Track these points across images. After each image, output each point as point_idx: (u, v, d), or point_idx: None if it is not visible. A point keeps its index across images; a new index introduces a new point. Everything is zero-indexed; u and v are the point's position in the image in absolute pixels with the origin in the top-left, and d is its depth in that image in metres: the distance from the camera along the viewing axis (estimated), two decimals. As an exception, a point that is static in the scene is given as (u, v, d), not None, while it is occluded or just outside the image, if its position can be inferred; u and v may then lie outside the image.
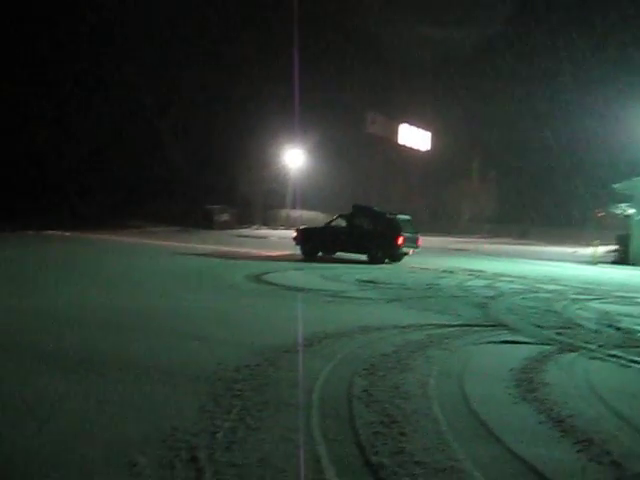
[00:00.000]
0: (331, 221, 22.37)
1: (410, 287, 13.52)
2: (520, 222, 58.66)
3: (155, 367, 5.99)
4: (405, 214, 22.22)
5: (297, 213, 52.16)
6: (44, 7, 41.88)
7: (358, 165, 58.20)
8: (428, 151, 70.46)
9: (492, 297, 12.37)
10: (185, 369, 5.96)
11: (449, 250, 31.06)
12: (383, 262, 20.14)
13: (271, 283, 13.23)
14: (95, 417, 4.60)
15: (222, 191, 45.64)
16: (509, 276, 17.17)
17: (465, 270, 18.34)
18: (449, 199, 63.06)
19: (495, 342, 8.09)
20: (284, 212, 51.56)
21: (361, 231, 20.84)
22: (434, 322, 9.19)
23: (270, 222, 50.85)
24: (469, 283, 14.98)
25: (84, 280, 12.88)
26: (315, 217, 56.79)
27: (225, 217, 44.22)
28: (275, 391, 5.39)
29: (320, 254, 21.58)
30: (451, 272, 17.44)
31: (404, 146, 67.32)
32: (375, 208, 23.07)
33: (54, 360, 6.17)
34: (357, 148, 58.83)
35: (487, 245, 39.94)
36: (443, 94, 63.36)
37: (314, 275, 15.23)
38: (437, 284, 14.32)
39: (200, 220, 41.37)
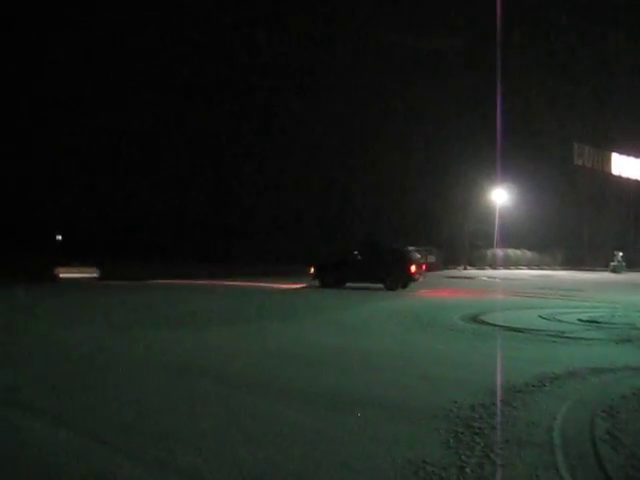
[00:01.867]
0: (345, 256, 25.20)
1: (639, 327, 12.72)
2: None
3: (393, 405, 6.29)
4: (411, 246, 26.45)
5: (502, 252, 51.00)
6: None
7: (566, 199, 55.66)
8: (645, 180, 65.62)
9: None
10: (422, 407, 6.18)
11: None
12: (397, 289, 23.09)
13: (489, 323, 13.13)
14: (348, 448, 4.95)
15: (429, 232, 45.93)
16: None
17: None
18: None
19: None
20: (490, 252, 50.58)
21: (376, 262, 23.63)
22: (673, 364, 8.62)
23: (476, 262, 50.08)
24: None
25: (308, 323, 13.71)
26: (521, 255, 55.12)
27: (431, 259, 44.29)
28: (514, 429, 5.43)
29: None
30: (684, 310, 16.11)
31: (617, 177, 63.30)
32: (384, 242, 27.01)
33: (306, 399, 6.65)
34: (564, 182, 56.34)
35: None
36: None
37: (531, 315, 14.87)
38: (670, 323, 13.32)
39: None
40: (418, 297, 21.30)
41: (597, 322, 13.50)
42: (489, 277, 37.62)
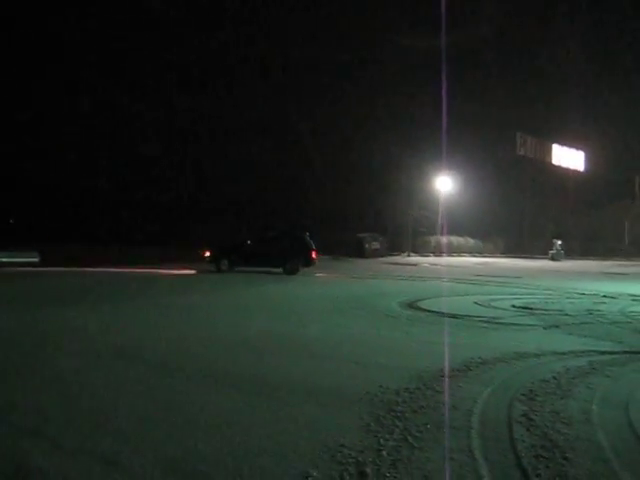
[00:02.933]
0: (243, 241, 25.37)
1: (569, 313, 13.11)
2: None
3: (318, 389, 6.35)
4: (307, 232, 26.04)
5: (446, 239, 51.76)
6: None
7: (508, 188, 56.82)
8: (583, 171, 67.53)
9: (660, 323, 11.75)
10: (347, 391, 6.26)
11: (609, 274, 29.48)
12: (296, 273, 23.59)
13: (424, 309, 13.35)
14: (268, 432, 5.00)
15: (372, 219, 46.21)
16: (680, 300, 16.12)
17: (628, 295, 17.42)
18: (608, 221, 59.78)
19: (664, 369, 7.74)
20: (433, 239, 51.28)
21: (276, 247, 24.27)
22: (595, 349, 8.92)
23: (420, 249, 50.73)
24: (633, 308, 14.25)
25: (252, 311, 13.71)
26: (464, 243, 56.10)
27: (375, 245, 44.67)
28: (435, 413, 5.56)
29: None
30: (612, 297, 16.64)
31: (557, 167, 64.95)
32: (284, 227, 27.50)
33: (228, 383, 6.69)
34: (507, 171, 57.49)
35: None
36: (598, 110, 60.66)
37: (467, 301, 15.18)
38: (598, 310, 13.76)
39: (351, 249, 42.09)
40: (354, 283, 21.53)
41: (530, 308, 13.85)
42: (432, 264, 38.16)
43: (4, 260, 29.13)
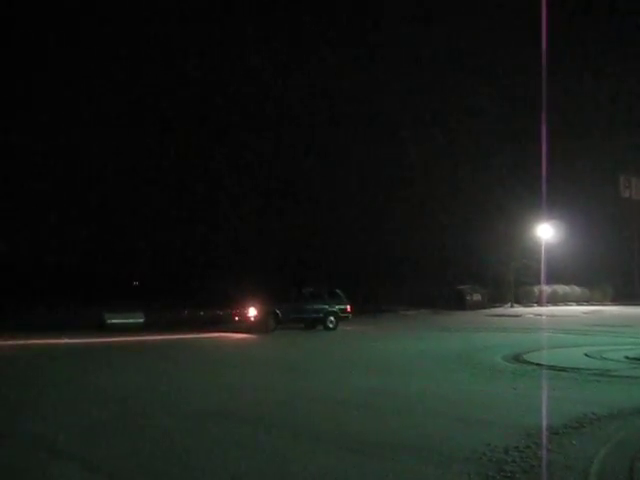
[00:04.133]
0: (283, 299, 24.77)
1: (689, 364, 12.31)
2: None
3: (425, 448, 6.21)
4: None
5: (550, 288, 50.01)
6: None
7: (614, 233, 54.46)
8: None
9: None
10: (454, 450, 6.08)
11: None
12: (336, 329, 24.00)
13: (531, 363, 12.88)
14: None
15: (472, 270, 45.23)
16: None
17: None
18: None
19: None
20: (536, 288, 49.57)
21: (317, 304, 24.39)
22: None
23: (523, 299, 49.17)
24: None
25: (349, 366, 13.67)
26: (570, 291, 53.88)
27: (477, 297, 43.68)
28: (547, 474, 5.31)
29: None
30: None
31: (665, 207, 61.81)
32: (322, 287, 26.06)
33: (330, 440, 6.64)
34: (612, 215, 55.20)
35: None
36: None
37: (576, 353, 14.53)
38: None
39: (451, 301, 41.31)
40: (455, 337, 21.03)
41: (645, 359, 13.12)
42: (536, 314, 36.85)
43: (113, 322, 30.18)
